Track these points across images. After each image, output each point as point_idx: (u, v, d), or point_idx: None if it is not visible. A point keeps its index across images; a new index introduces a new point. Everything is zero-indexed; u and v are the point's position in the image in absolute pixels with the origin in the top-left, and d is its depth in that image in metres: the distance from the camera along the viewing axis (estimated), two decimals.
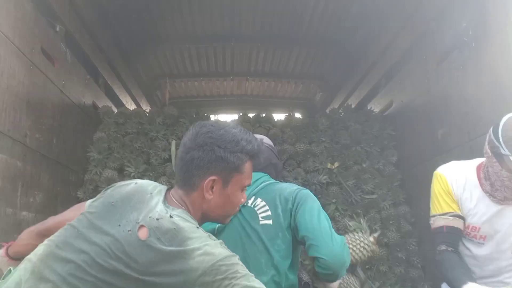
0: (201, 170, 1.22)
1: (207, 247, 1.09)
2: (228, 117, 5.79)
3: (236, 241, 1.61)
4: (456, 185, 1.74)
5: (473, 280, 1.56)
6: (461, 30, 2.25)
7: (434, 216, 1.79)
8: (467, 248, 1.76)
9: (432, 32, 2.67)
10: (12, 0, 2.06)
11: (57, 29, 2.69)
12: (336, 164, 3.24)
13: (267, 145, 1.85)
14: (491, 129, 1.57)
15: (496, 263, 1.73)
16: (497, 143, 1.52)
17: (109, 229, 1.10)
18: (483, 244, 1.73)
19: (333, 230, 1.56)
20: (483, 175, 1.67)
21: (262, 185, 1.72)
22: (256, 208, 1.66)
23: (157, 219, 1.10)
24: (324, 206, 3.03)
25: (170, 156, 3.21)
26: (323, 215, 1.61)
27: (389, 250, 3.03)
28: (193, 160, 1.22)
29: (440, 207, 1.76)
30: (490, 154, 1.57)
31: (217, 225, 1.62)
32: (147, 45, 4.17)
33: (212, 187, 1.23)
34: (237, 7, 3.68)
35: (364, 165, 3.27)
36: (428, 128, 2.83)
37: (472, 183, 1.72)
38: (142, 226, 1.09)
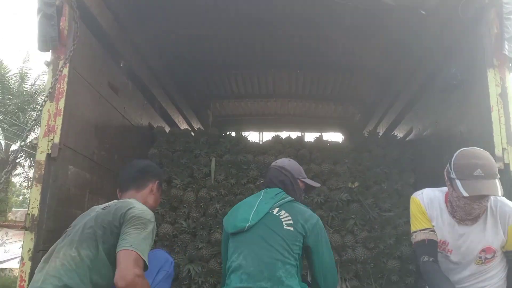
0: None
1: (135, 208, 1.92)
2: (269, 135, 6.29)
3: (259, 239, 2.09)
4: (428, 207, 2.09)
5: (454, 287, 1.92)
6: (451, 74, 2.59)
7: (415, 231, 2.14)
8: (439, 260, 2.10)
9: (439, 72, 3.01)
10: (86, 44, 2.66)
11: (121, 65, 3.31)
12: (356, 184, 3.61)
13: (276, 167, 2.35)
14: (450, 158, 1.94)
15: (461, 273, 2.07)
16: (449, 169, 1.88)
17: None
18: (450, 256, 2.07)
19: None
20: (449, 199, 2.02)
21: (284, 200, 2.20)
22: (281, 217, 2.13)
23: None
24: (344, 221, 3.45)
25: (210, 171, 3.72)
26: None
27: (401, 262, 3.33)
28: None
29: (420, 224, 2.12)
30: (446, 178, 1.93)
31: (247, 224, 2.12)
32: (198, 70, 4.72)
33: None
34: (275, 35, 4.09)
35: (383, 186, 3.61)
36: (438, 154, 3.13)
37: (441, 206, 2.07)
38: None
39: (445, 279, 1.99)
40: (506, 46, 2.25)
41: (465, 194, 1.82)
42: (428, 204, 2.11)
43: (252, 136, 7.04)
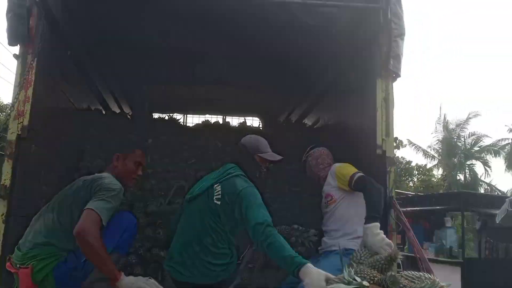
0: None
1: (104, 179, 2.40)
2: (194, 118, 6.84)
3: (196, 210, 2.65)
4: None
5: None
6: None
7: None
8: None
9: (343, 75, 3.78)
10: (46, 39, 2.97)
11: (68, 53, 3.61)
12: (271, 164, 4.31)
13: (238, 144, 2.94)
14: None
15: None
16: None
17: None
18: None
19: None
20: None
21: (228, 175, 2.70)
22: (215, 192, 2.65)
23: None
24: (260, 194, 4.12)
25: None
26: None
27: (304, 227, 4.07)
28: None
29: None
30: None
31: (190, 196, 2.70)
32: (131, 54, 4.99)
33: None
34: (205, 26, 4.48)
35: (293, 166, 4.32)
36: (338, 140, 3.90)
37: None
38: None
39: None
40: (391, 62, 3.00)
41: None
42: None
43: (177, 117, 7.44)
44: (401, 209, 2.87)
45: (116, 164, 2.69)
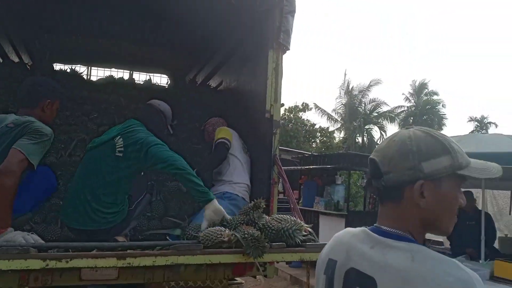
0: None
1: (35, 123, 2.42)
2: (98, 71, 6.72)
3: (94, 159, 2.84)
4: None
5: None
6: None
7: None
8: None
9: (241, 43, 4.06)
10: None
11: None
12: (175, 122, 4.54)
13: (155, 105, 3.27)
14: None
15: None
16: None
17: None
18: None
19: None
20: None
21: (130, 129, 2.93)
22: (116, 144, 2.85)
23: None
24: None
25: None
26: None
27: None
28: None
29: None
30: None
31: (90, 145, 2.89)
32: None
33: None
34: None
35: (196, 124, 4.61)
36: (237, 102, 4.23)
37: None
38: None
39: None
40: (282, 36, 3.35)
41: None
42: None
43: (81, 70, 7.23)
44: (292, 167, 3.32)
45: (45, 110, 2.71)
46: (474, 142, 5.10)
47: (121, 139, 2.86)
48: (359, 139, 34.24)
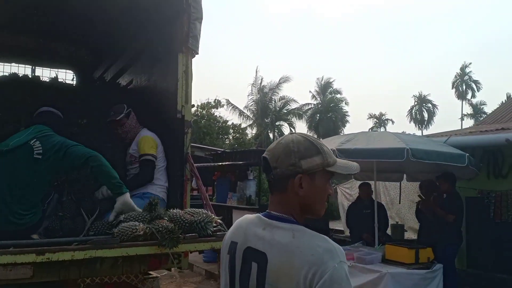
0: None
1: None
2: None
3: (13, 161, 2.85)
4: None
5: None
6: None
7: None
8: None
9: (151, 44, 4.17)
10: None
11: None
12: (84, 120, 4.52)
13: (48, 111, 3.31)
14: None
15: None
16: None
17: None
18: None
19: None
20: None
21: (43, 133, 2.99)
22: (34, 147, 2.90)
23: None
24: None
25: None
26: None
27: None
28: None
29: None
30: None
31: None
32: None
33: None
34: None
35: None
36: (149, 101, 4.33)
37: None
38: None
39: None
40: (190, 41, 3.54)
41: None
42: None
43: None
44: (195, 163, 3.53)
45: None
46: (365, 139, 5.71)
47: (38, 142, 2.96)
48: (271, 135, 35.44)
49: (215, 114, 25.65)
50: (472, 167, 5.55)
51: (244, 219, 1.50)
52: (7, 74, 5.04)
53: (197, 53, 3.59)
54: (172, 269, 3.60)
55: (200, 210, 2.88)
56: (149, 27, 4.19)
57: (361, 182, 7.01)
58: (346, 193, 9.17)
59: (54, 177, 3.13)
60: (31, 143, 2.92)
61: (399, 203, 8.20)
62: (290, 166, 1.33)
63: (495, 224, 6.86)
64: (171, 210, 2.86)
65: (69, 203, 3.71)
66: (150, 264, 3.10)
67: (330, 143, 5.91)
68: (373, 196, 6.49)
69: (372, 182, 6.75)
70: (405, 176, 7.37)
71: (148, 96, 4.30)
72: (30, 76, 4.65)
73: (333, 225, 9.72)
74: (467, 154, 5.40)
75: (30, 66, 6.52)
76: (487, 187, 6.97)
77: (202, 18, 3.54)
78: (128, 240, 2.55)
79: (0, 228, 2.75)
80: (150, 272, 3.57)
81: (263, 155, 1.42)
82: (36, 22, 5.51)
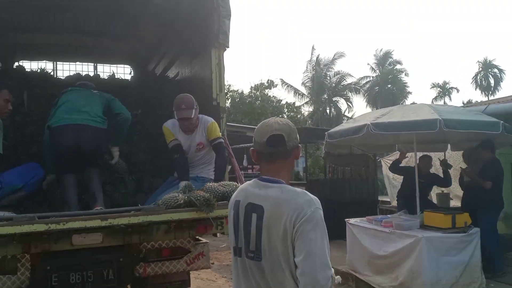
0: None
1: None
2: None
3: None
4: (171, 127, 3.96)
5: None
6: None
7: (169, 142, 3.99)
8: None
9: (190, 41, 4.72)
10: None
11: None
12: (140, 111, 5.18)
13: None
14: None
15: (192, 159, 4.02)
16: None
17: None
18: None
19: None
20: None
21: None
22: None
23: None
24: (131, 135, 5.02)
25: (23, 101, 4.74)
26: None
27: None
28: None
29: (169, 138, 3.93)
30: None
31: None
32: None
33: None
34: None
35: (158, 112, 5.25)
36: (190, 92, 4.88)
37: (175, 126, 3.93)
38: None
39: (184, 166, 3.89)
40: (221, 36, 4.02)
41: (176, 118, 3.79)
42: (171, 126, 3.92)
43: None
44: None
45: None
46: (400, 112, 5.92)
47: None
48: (328, 111, 35.33)
49: (269, 95, 26.11)
50: (509, 134, 5.59)
51: (244, 184, 1.98)
52: (72, 73, 5.79)
53: (228, 47, 4.07)
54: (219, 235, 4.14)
55: (231, 182, 3.41)
56: (188, 25, 4.73)
57: (422, 154, 7.20)
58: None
59: None
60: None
61: None
62: (295, 140, 1.83)
63: None
64: (207, 184, 3.42)
65: (130, 182, 4.42)
66: (197, 230, 3.70)
67: (366, 118, 6.20)
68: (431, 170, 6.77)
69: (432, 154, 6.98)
70: (449, 146, 7.44)
71: (190, 86, 4.86)
72: (91, 75, 5.35)
73: (382, 198, 9.97)
74: (502, 122, 5.46)
75: (92, 64, 7.37)
76: None
77: (230, 15, 4.00)
78: (172, 207, 3.14)
79: None
80: (200, 238, 4.20)
81: (277, 133, 1.81)
82: (96, 23, 6.24)
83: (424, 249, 5.02)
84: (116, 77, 5.72)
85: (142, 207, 3.22)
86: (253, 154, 1.89)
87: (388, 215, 6.30)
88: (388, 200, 9.37)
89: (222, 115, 4.05)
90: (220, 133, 4.00)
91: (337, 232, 6.68)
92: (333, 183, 9.40)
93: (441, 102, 45.19)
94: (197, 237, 4.04)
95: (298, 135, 1.85)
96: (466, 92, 66.43)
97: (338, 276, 1.92)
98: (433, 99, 47.70)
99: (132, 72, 7.38)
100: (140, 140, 5.07)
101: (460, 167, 6.60)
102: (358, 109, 72.20)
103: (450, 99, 47.51)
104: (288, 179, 1.88)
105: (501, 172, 6.02)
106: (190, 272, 4.12)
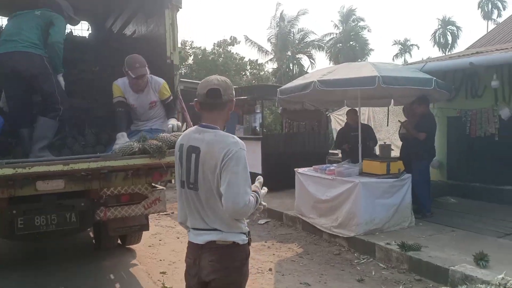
0: None
1: None
2: None
3: None
4: (121, 86, 4.30)
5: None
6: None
7: (114, 98, 4.34)
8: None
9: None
10: None
11: None
12: (96, 68, 5.42)
13: None
14: None
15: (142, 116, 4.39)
16: (124, 65, 4.04)
17: None
18: (135, 109, 4.37)
19: None
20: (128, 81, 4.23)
21: None
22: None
23: None
24: (90, 88, 5.26)
25: None
26: None
27: None
28: None
29: (116, 94, 4.33)
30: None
31: None
32: None
33: None
34: None
35: (116, 69, 5.49)
36: (146, 49, 5.15)
37: (126, 85, 4.27)
38: None
39: (124, 120, 4.30)
40: None
41: (133, 76, 4.05)
42: (121, 85, 4.28)
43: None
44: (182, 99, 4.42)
45: None
46: (346, 70, 6.39)
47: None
48: (291, 68, 35.61)
49: (232, 52, 26.10)
50: (441, 90, 6.18)
51: (188, 130, 2.40)
52: None
53: (181, 7, 4.34)
54: None
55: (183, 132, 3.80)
56: None
57: (348, 108, 7.76)
58: (339, 119, 9.92)
59: None
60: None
61: (387, 125, 8.97)
62: (231, 95, 2.24)
63: (471, 139, 7.61)
64: (160, 134, 3.82)
65: (90, 135, 4.74)
66: (153, 177, 4.11)
67: (314, 75, 6.64)
68: (359, 121, 7.29)
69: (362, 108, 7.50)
70: (392, 101, 8.05)
71: (147, 44, 5.11)
72: None
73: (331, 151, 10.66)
74: (434, 78, 6.02)
75: None
76: (465, 106, 7.66)
77: None
78: (128, 154, 3.53)
79: None
80: (156, 186, 4.62)
81: (215, 87, 2.20)
82: None
83: (360, 193, 5.66)
84: (73, 34, 5.83)
85: (101, 154, 3.59)
86: (196, 104, 2.29)
87: (334, 164, 6.91)
88: (336, 152, 10.05)
89: (176, 73, 4.38)
90: (171, 91, 4.40)
91: (290, 182, 7.25)
92: (288, 137, 9.96)
93: (402, 59, 46.42)
94: (153, 184, 4.46)
95: (234, 91, 2.26)
96: (426, 49, 67.96)
97: (264, 188, 2.37)
98: (394, 56, 48.79)
99: (89, 29, 7.45)
100: (98, 95, 5.33)
101: (399, 120, 7.24)
102: (321, 66, 72.67)
103: (411, 56, 48.71)
104: (222, 126, 2.30)
105: (434, 125, 6.68)
106: (151, 220, 4.54)
